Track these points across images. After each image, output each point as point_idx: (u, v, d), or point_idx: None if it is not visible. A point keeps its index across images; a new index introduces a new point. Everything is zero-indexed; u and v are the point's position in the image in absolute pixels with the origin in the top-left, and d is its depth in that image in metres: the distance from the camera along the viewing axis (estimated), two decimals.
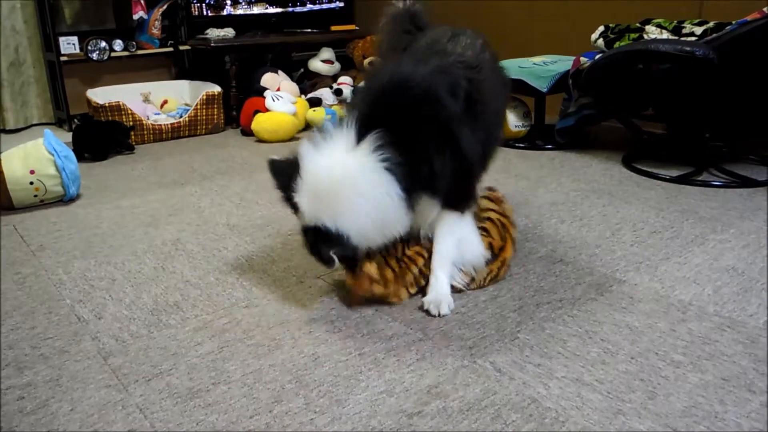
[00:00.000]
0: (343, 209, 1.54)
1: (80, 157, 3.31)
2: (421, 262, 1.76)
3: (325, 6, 4.93)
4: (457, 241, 1.73)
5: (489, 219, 1.84)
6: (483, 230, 1.81)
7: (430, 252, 1.75)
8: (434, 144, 1.57)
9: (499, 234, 1.82)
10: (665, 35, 2.98)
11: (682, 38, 2.87)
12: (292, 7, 4.80)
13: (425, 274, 1.75)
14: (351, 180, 1.53)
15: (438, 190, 1.63)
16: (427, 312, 1.68)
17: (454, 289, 1.75)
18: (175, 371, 1.46)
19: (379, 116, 1.56)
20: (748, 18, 2.41)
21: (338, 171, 1.54)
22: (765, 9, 2.36)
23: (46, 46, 4.31)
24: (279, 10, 4.76)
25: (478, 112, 1.67)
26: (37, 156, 2.63)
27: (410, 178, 1.55)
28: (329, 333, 1.60)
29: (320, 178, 1.56)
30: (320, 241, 1.58)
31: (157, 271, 2.02)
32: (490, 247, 1.79)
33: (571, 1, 3.77)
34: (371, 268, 1.67)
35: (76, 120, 4.08)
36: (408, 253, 1.76)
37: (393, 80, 1.61)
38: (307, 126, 4.03)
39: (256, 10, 4.70)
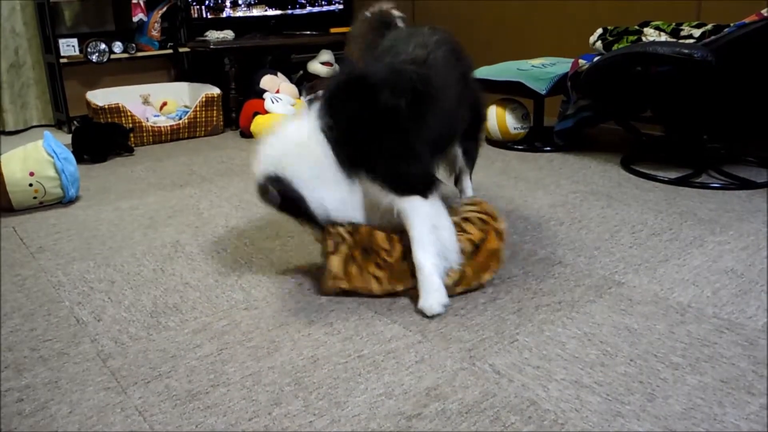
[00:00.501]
0: (289, 159, 1.73)
1: (79, 159, 3.31)
2: (392, 248, 1.75)
3: (324, 8, 4.93)
4: (432, 227, 1.73)
5: (466, 218, 1.81)
6: (460, 229, 1.78)
7: (400, 240, 1.75)
8: (368, 127, 1.72)
9: (478, 228, 1.79)
10: (663, 37, 2.99)
11: (681, 40, 2.87)
12: (291, 9, 4.81)
13: (391, 264, 1.75)
14: (296, 136, 1.75)
15: (375, 170, 1.72)
16: (423, 314, 1.68)
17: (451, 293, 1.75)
18: (174, 373, 1.46)
19: (331, 102, 1.75)
20: (747, 20, 2.42)
21: (290, 131, 1.77)
22: (763, 11, 2.37)
23: (45, 47, 4.32)
24: (278, 12, 4.77)
25: (425, 102, 1.79)
26: (37, 158, 2.63)
27: (342, 146, 1.71)
28: (328, 335, 1.60)
29: (278, 137, 1.78)
30: (270, 183, 1.73)
31: (156, 273, 2.02)
32: (471, 243, 1.77)
33: (570, 4, 3.77)
34: (335, 264, 1.75)
35: (75, 122, 4.08)
36: (378, 241, 1.75)
37: (348, 76, 1.83)
38: None
39: (256, 12, 4.70)
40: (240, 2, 4.64)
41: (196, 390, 1.40)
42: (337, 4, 4.96)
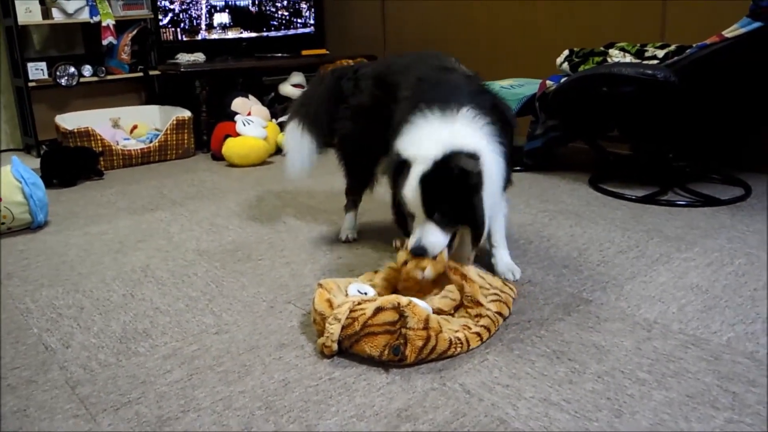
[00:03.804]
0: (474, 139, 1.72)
1: (48, 184, 3.28)
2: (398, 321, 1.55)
3: (300, 31, 4.96)
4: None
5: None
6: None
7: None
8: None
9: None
10: (628, 58, 3.05)
11: (645, 61, 2.94)
12: (266, 32, 4.83)
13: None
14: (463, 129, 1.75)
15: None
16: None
17: None
18: (144, 400, 1.45)
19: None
20: (708, 41, 2.48)
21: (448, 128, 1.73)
22: (723, 32, 2.43)
23: (14, 71, 4.29)
24: (253, 34, 4.79)
25: None
26: (5, 183, 2.60)
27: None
28: (299, 358, 1.60)
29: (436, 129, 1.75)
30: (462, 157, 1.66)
31: (125, 298, 2.01)
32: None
33: (537, 26, 3.84)
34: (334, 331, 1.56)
35: (44, 146, 4.05)
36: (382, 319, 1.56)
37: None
38: (278, 150, 4.04)
39: (231, 34, 4.72)
40: (215, 25, 4.65)
41: (167, 416, 1.39)
42: (310, 27, 5.00)
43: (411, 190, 1.67)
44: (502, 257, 2.06)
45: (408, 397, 1.42)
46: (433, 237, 1.68)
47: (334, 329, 1.55)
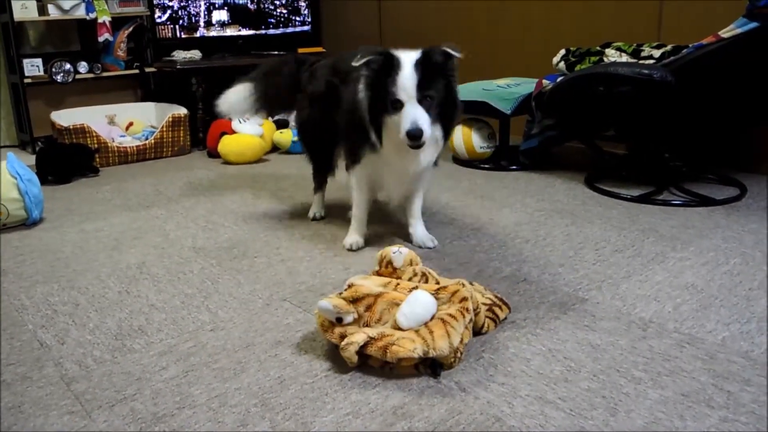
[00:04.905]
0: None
1: (44, 181, 3.27)
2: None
3: (297, 29, 4.95)
4: None
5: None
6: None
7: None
8: None
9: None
10: (625, 58, 3.05)
11: (641, 61, 2.94)
12: (264, 29, 4.82)
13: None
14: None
15: None
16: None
17: None
18: (140, 396, 1.45)
19: None
20: (704, 41, 2.48)
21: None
22: (719, 33, 2.43)
23: (9, 68, 4.28)
24: (251, 32, 4.78)
25: None
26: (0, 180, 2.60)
27: None
28: (295, 355, 1.60)
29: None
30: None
31: (121, 295, 2.01)
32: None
33: (534, 25, 3.84)
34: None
35: (39, 143, 4.04)
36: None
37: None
38: (274, 148, 4.04)
39: (229, 32, 4.71)
40: (214, 22, 4.64)
41: (162, 413, 1.39)
42: (307, 25, 4.99)
43: (406, 75, 1.95)
44: (418, 229, 2.35)
45: (403, 395, 1.42)
46: (423, 120, 1.94)
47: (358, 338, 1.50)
